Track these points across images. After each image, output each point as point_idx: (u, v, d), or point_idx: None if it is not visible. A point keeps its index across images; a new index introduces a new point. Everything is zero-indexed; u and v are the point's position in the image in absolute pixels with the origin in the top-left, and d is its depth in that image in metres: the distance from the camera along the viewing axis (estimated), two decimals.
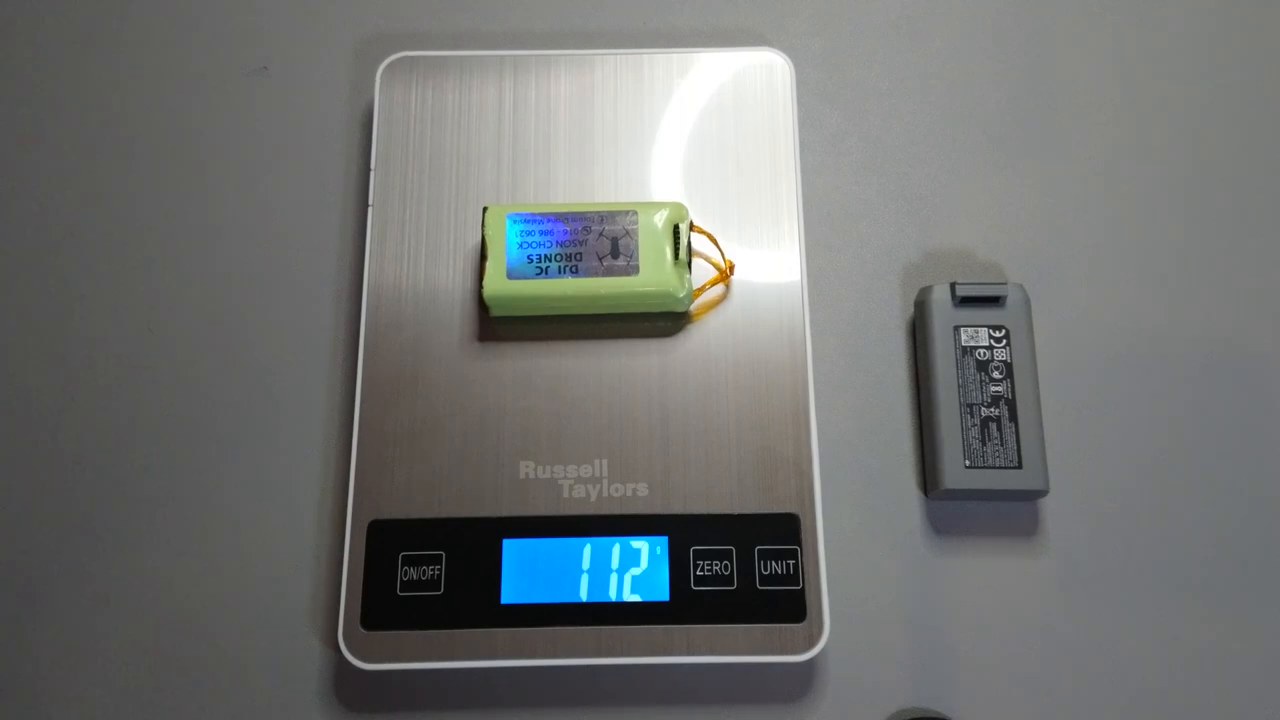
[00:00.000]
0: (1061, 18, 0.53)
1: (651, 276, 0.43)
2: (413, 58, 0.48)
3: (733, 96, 0.48)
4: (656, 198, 0.47)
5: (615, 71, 0.48)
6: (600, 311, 0.45)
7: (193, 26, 0.52)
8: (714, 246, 0.46)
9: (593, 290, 0.43)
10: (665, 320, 0.45)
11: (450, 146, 0.47)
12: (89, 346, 0.48)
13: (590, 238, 0.44)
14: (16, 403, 0.47)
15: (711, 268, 0.46)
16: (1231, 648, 0.44)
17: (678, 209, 0.44)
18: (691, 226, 0.45)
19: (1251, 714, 0.43)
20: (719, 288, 0.46)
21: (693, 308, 0.45)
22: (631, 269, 0.43)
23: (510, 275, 0.43)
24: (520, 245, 0.44)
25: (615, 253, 0.44)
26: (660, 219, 0.44)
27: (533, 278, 0.43)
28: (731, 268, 0.45)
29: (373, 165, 0.47)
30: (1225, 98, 0.51)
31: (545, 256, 0.44)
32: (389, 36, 0.52)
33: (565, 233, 0.44)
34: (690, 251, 0.45)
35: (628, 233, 0.44)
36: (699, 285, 0.45)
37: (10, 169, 0.50)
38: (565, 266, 0.43)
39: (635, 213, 0.44)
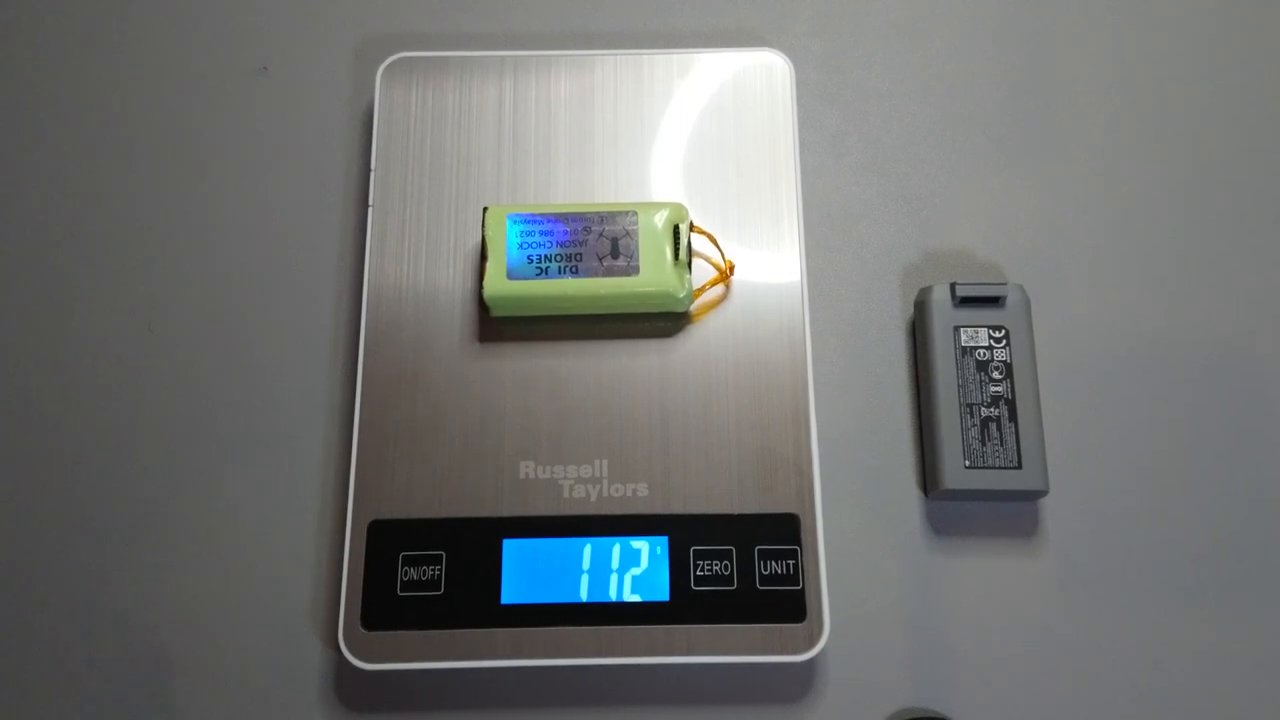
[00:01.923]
0: (1061, 18, 0.53)
1: (651, 277, 0.43)
2: (413, 58, 0.48)
3: (732, 97, 0.48)
4: (656, 198, 0.47)
5: (615, 72, 0.48)
6: (600, 312, 0.45)
7: (193, 26, 0.52)
8: (714, 247, 0.46)
9: (593, 290, 0.43)
10: (665, 320, 0.45)
11: (450, 147, 0.47)
12: (89, 346, 0.48)
13: (590, 238, 0.44)
14: (16, 403, 0.47)
15: (711, 268, 0.46)
16: (1231, 648, 0.44)
17: (678, 209, 0.44)
18: (691, 227, 0.45)
19: (1251, 714, 0.43)
20: (719, 288, 0.46)
21: (693, 308, 0.45)
22: (631, 269, 0.43)
23: (510, 275, 0.43)
24: (520, 245, 0.44)
25: (615, 253, 0.44)
26: (660, 219, 0.44)
27: (533, 278, 0.43)
28: (731, 268, 0.45)
29: (373, 165, 0.47)
30: (1225, 98, 0.51)
31: (545, 257, 0.44)
32: (389, 37, 0.52)
33: (565, 233, 0.44)
34: (690, 252, 0.45)
35: (628, 233, 0.44)
36: (699, 285, 0.45)
37: (10, 169, 0.50)
38: (565, 267, 0.43)
39: (635, 213, 0.44)
